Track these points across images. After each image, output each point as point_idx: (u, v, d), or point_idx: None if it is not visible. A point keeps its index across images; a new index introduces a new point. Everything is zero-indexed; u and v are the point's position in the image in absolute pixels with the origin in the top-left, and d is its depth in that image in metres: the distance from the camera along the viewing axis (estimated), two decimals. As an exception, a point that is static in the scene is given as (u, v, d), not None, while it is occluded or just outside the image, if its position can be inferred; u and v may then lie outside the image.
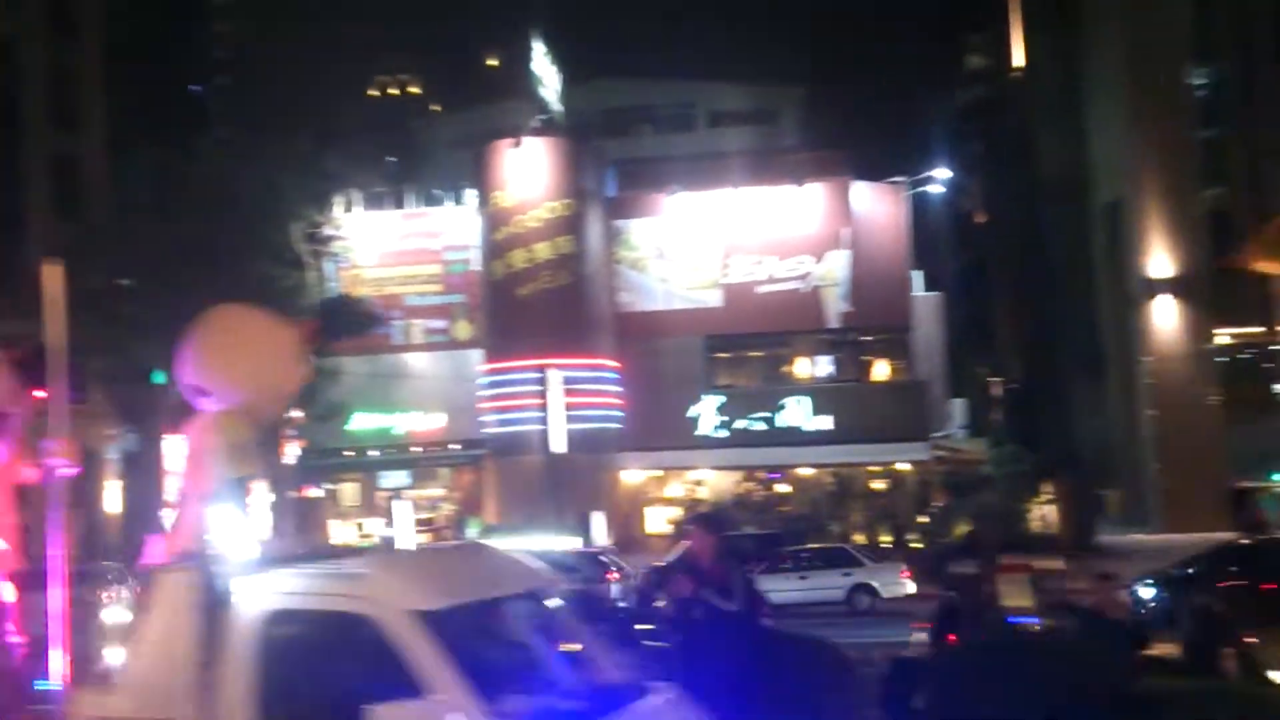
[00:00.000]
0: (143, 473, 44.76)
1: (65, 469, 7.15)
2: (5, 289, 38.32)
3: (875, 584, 24.95)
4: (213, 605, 6.27)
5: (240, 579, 6.40)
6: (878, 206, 38.36)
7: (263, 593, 6.37)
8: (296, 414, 39.00)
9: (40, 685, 7.00)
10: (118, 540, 42.87)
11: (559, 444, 34.27)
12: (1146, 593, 17.21)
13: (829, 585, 24.85)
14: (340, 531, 39.83)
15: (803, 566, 25.41)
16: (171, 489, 6.94)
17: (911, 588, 24.78)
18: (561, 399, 34.61)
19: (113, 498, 44.29)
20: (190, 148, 46.10)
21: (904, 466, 36.86)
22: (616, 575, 23.90)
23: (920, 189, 40.73)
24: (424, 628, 5.93)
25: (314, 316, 6.96)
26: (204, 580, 6.33)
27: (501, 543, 31.37)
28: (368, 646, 6.05)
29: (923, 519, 35.23)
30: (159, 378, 41.15)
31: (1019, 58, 51.31)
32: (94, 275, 39.55)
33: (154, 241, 36.91)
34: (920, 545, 33.00)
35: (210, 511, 6.81)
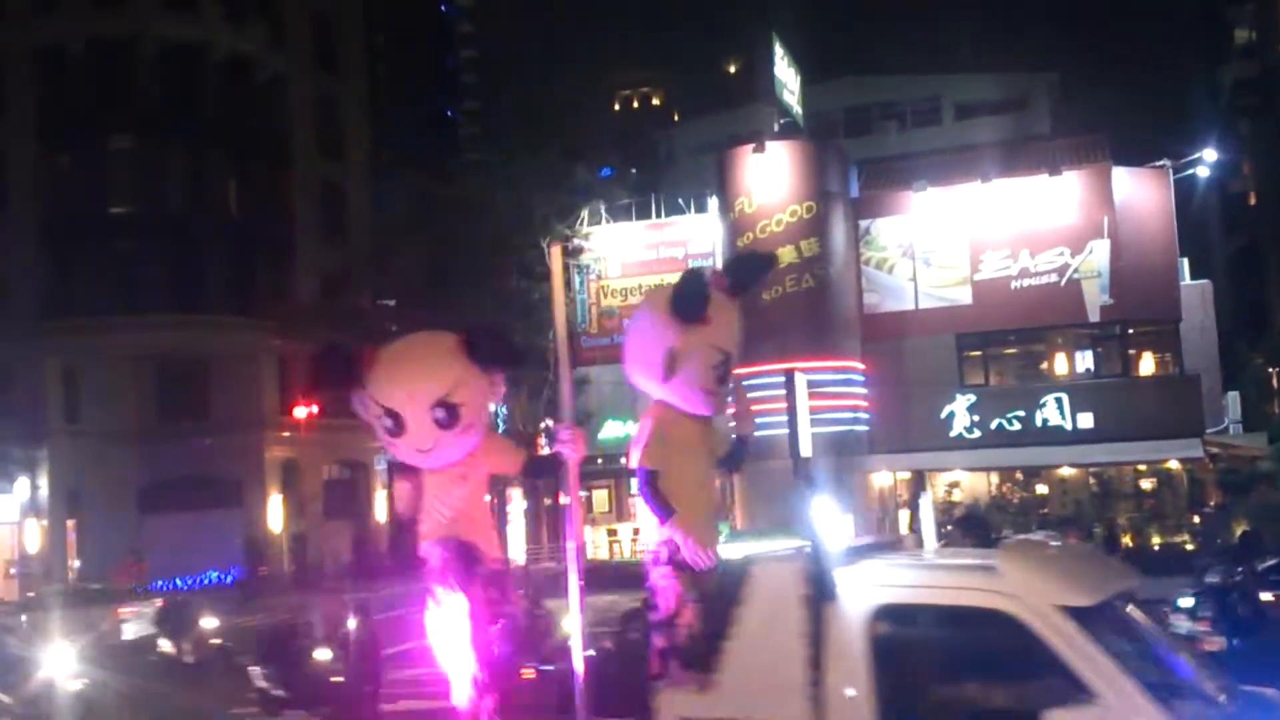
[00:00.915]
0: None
1: (572, 454, 6.62)
2: (279, 310, 41.03)
3: None
4: (819, 598, 5.82)
5: (842, 570, 5.99)
6: (1140, 192, 36.43)
7: (868, 585, 5.93)
8: (548, 423, 40.16)
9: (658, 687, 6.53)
10: (386, 548, 45.15)
11: (806, 448, 33.96)
12: (1186, 603, 16.58)
13: None
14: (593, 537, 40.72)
15: None
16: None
17: None
18: (807, 402, 34.27)
19: (380, 507, 46.66)
20: (445, 171, 48.13)
21: (1174, 465, 34.87)
22: None
23: (1186, 172, 38.48)
24: (1080, 625, 5.46)
25: (720, 272, 6.48)
26: (809, 571, 5.92)
27: (750, 547, 31.41)
28: (1006, 645, 5.56)
29: (1196, 520, 33.27)
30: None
31: (1291, 27, 47.96)
32: (359, 295, 41.97)
33: (413, 262, 38.76)
34: (1193, 548, 31.20)
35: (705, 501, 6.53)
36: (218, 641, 20.47)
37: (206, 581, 35.66)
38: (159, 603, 22.74)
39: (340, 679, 11.24)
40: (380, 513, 46.51)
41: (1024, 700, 5.47)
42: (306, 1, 45.93)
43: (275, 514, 40.40)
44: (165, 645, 20.37)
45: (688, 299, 6.53)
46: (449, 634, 6.33)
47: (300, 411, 39.85)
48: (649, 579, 6.65)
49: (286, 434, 41.08)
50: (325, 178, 45.96)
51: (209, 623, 21.12)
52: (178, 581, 34.02)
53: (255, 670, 12.91)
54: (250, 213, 41.99)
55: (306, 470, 42.42)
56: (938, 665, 5.96)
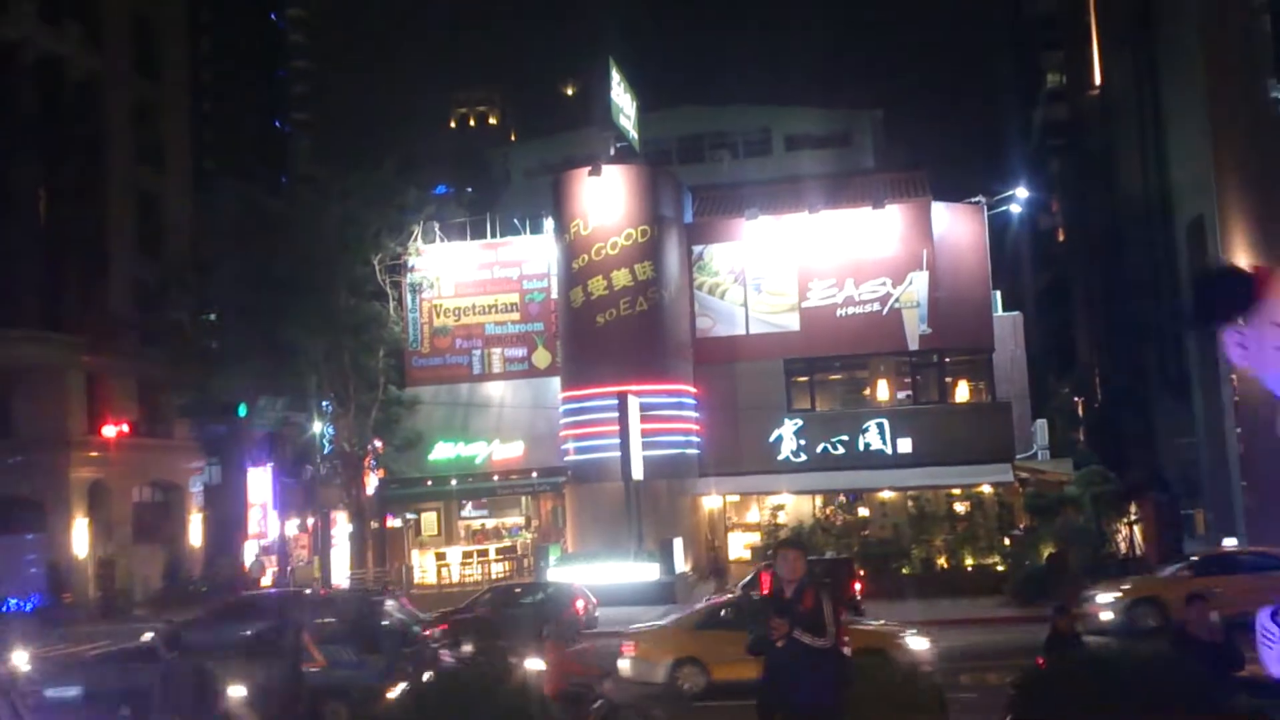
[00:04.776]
0: (224, 505, 45.49)
1: None
2: (90, 323, 39.27)
3: None
4: None
5: None
6: (957, 227, 37.86)
7: None
8: (376, 444, 39.37)
9: None
10: (201, 571, 43.51)
11: (637, 470, 34.15)
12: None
13: None
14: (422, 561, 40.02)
15: None
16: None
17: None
18: (639, 425, 34.52)
19: (195, 531, 44.95)
20: (272, 183, 46.85)
21: (986, 489, 36.21)
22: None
23: (1000, 208, 40.15)
24: None
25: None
26: None
27: (582, 570, 31.33)
28: None
29: (1007, 542, 34.55)
30: (243, 411, 41.80)
31: (1098, 76, 50.57)
32: (178, 310, 40.48)
33: (237, 277, 37.58)
34: (1003, 569, 32.40)
35: None
36: None
37: (4, 609, 33.74)
38: None
39: None
40: (195, 536, 44.81)
41: None
42: (125, 2, 44.10)
43: (81, 538, 38.50)
44: None
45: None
46: None
47: (109, 430, 38.16)
48: None
49: (94, 453, 39.26)
50: (143, 186, 44.15)
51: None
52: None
53: None
54: (61, 221, 40.01)
55: (115, 492, 40.61)
56: None
